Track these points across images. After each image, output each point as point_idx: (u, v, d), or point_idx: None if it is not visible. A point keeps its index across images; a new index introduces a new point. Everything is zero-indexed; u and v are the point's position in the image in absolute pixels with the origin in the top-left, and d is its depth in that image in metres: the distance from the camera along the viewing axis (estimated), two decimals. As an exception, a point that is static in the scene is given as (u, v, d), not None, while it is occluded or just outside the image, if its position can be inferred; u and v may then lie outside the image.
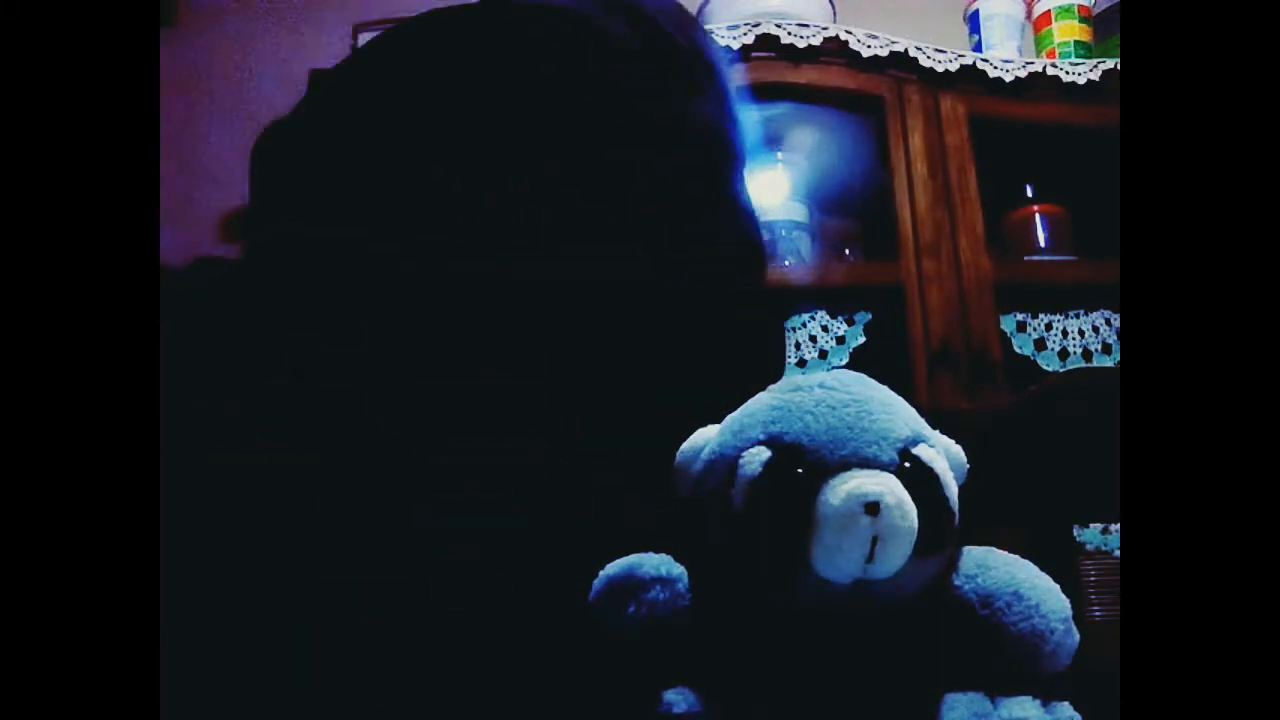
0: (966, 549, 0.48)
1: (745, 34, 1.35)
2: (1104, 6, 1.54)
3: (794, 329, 1.35)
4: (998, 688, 0.44)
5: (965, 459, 0.49)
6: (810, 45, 1.36)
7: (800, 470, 0.43)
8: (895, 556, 0.42)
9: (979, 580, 0.45)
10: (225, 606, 0.46)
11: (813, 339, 1.35)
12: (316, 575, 0.48)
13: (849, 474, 0.42)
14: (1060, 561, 0.64)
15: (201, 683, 0.45)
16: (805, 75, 1.37)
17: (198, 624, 0.45)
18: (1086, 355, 1.39)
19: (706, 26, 1.38)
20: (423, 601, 0.50)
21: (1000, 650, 0.45)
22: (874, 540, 0.41)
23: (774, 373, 0.59)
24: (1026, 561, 0.47)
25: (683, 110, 0.57)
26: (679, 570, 0.47)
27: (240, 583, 0.47)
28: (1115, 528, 1.27)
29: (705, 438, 0.49)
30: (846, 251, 1.54)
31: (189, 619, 0.43)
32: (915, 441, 0.45)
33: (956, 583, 0.46)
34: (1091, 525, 1.28)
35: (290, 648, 0.47)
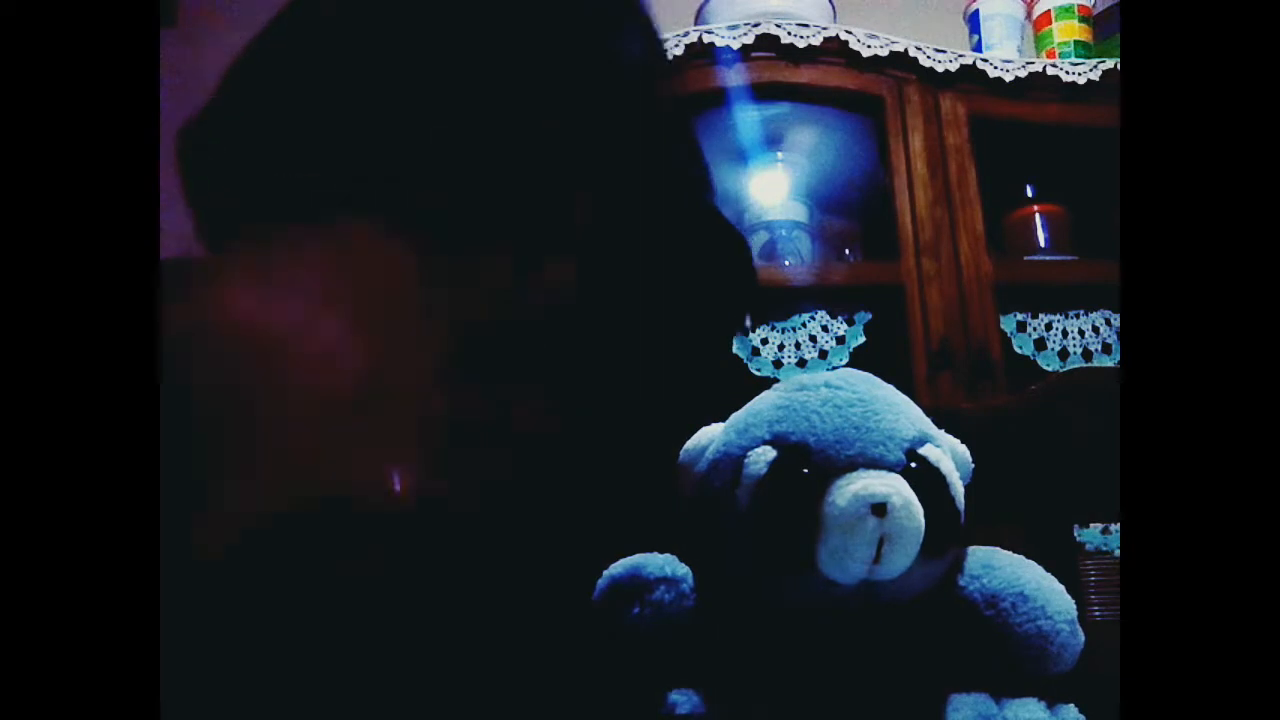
0: (971, 549, 0.47)
1: (745, 34, 1.35)
2: (1104, 6, 1.55)
3: (794, 329, 1.35)
4: (1003, 689, 0.44)
5: (970, 459, 0.49)
6: (810, 45, 1.36)
7: (806, 470, 0.43)
8: (902, 557, 0.41)
9: (984, 581, 0.45)
10: (222, 605, 0.46)
11: (813, 339, 1.35)
12: (316, 575, 0.48)
13: (856, 474, 0.42)
14: (1060, 561, 0.64)
15: (200, 678, 0.45)
16: (805, 75, 1.37)
17: (196, 622, 0.45)
18: (1086, 355, 1.39)
19: (706, 26, 1.38)
20: (427, 601, 0.50)
21: (1005, 651, 0.45)
22: (881, 541, 0.41)
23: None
24: (1031, 562, 0.47)
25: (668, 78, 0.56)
26: (684, 570, 0.47)
27: (236, 581, 0.47)
28: (1115, 528, 1.27)
29: (709, 436, 0.49)
30: (846, 251, 1.54)
31: (187, 617, 0.43)
32: (922, 441, 0.45)
33: (962, 583, 0.46)
34: (1091, 525, 1.28)
35: (290, 646, 0.47)
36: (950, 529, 0.45)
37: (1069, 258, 1.43)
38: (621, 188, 0.51)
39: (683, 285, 0.55)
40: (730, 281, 0.58)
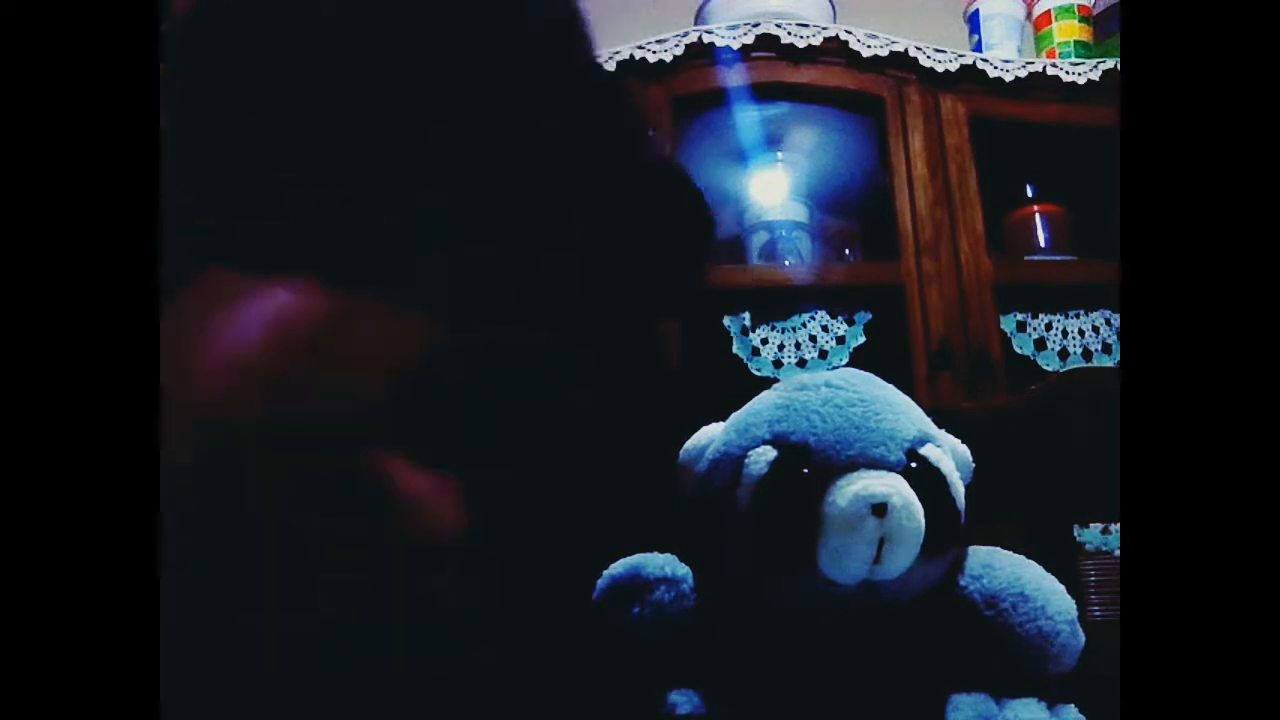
0: (972, 549, 0.48)
1: (745, 34, 1.35)
2: (1104, 6, 1.55)
3: (794, 329, 1.35)
4: (1003, 689, 0.44)
5: (971, 459, 0.49)
6: (810, 45, 1.36)
7: (806, 470, 0.43)
8: (902, 558, 0.42)
9: (984, 581, 0.46)
10: (219, 608, 0.46)
11: (813, 339, 1.35)
12: (316, 576, 0.48)
13: (856, 474, 0.42)
14: (1060, 561, 0.65)
15: (200, 672, 0.44)
16: (805, 75, 1.37)
17: (195, 623, 0.45)
18: (1086, 355, 1.39)
19: (706, 26, 1.38)
20: (425, 599, 0.50)
21: (1005, 651, 0.45)
22: (881, 541, 0.41)
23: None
24: (1032, 562, 0.47)
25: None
26: (684, 570, 0.47)
27: (232, 584, 0.46)
28: (1115, 528, 1.27)
29: (709, 436, 0.49)
30: (846, 251, 1.54)
31: (185, 620, 0.43)
32: (922, 441, 0.45)
33: (962, 583, 0.46)
34: (1091, 525, 1.28)
35: (284, 643, 0.47)
36: (950, 529, 0.45)
37: (1069, 258, 1.44)
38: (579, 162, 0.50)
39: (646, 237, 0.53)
40: (688, 224, 0.57)
